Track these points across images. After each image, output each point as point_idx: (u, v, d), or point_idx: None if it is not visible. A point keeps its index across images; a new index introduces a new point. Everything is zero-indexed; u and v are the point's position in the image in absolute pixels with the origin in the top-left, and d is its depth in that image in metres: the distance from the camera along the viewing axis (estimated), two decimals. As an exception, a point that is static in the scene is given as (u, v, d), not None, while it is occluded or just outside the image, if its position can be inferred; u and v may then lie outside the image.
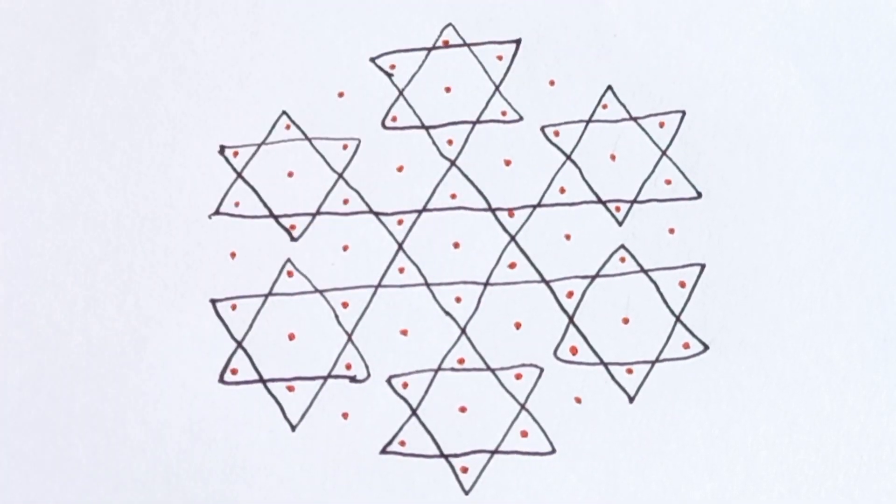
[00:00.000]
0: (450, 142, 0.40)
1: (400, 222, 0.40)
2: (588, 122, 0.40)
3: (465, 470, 0.37)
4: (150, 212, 0.39)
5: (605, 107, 0.41)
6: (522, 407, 0.38)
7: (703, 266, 0.39)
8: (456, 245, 0.40)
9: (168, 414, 0.37)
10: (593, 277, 0.39)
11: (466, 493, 0.37)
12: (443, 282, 0.39)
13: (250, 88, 0.40)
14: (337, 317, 0.39)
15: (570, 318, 0.39)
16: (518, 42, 0.41)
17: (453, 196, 0.40)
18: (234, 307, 0.39)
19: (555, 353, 0.38)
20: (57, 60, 0.40)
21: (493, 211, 0.40)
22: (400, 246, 0.40)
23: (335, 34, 0.41)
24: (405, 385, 0.38)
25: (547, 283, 0.39)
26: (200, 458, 0.37)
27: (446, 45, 0.41)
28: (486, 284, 0.39)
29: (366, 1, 0.41)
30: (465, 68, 0.41)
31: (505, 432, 0.37)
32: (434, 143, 0.40)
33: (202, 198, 0.39)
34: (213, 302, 0.39)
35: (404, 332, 0.39)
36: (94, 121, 0.40)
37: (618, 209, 0.40)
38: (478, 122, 0.41)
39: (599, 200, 0.40)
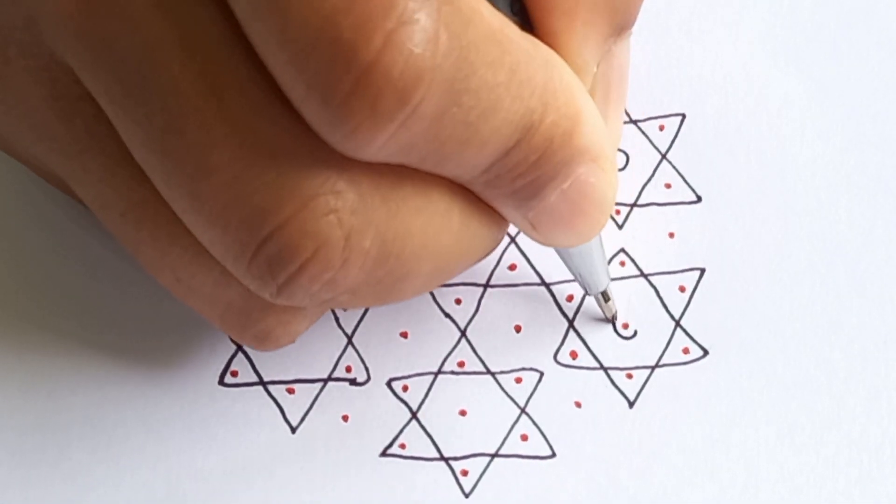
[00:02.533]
0: (450, 145, 0.40)
1: (400, 224, 0.40)
2: (588, 125, 0.40)
3: (465, 473, 0.37)
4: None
5: (605, 110, 0.41)
6: (522, 411, 0.38)
7: (702, 270, 0.39)
8: (456, 247, 0.40)
9: (168, 414, 0.37)
10: (593, 281, 0.39)
11: (466, 495, 0.37)
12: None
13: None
14: (337, 319, 0.39)
15: (570, 323, 0.39)
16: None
17: (453, 199, 0.40)
18: (234, 309, 0.39)
19: (555, 357, 0.38)
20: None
21: (493, 214, 0.40)
22: (400, 248, 0.39)
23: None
24: (405, 388, 0.38)
25: (547, 286, 0.39)
26: (200, 458, 0.37)
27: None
28: (486, 286, 0.39)
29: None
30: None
31: (505, 436, 0.37)
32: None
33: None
34: (214, 303, 0.39)
35: (404, 335, 0.38)
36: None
37: (617, 213, 0.40)
38: (478, 124, 0.41)
39: (599, 203, 0.40)
